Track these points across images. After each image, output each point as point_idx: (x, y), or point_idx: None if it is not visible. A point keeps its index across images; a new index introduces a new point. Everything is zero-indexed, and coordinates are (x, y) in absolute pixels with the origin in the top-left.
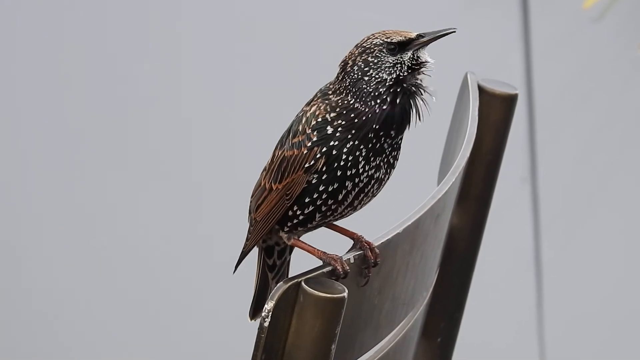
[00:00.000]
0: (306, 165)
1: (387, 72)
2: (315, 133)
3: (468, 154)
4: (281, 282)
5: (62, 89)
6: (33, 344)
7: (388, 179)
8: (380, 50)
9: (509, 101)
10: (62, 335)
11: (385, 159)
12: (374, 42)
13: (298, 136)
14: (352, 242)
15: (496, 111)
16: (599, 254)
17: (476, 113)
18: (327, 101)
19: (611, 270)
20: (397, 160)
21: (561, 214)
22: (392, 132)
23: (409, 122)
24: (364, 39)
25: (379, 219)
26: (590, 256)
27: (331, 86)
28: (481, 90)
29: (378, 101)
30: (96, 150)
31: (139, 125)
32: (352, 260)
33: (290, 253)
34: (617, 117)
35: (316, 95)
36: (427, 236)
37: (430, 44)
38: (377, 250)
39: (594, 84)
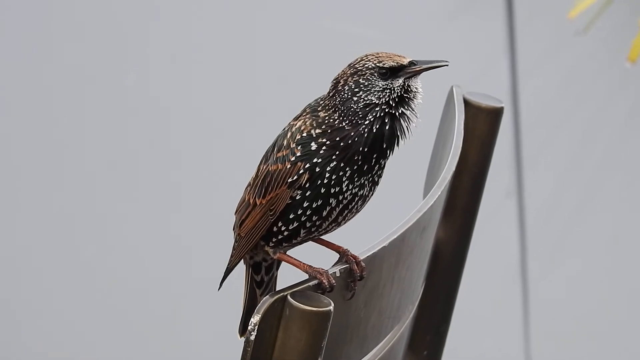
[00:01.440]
0: (289, 180)
1: (377, 97)
2: (299, 148)
3: (454, 167)
4: (267, 296)
5: (48, 92)
6: (13, 351)
7: (372, 195)
8: (372, 74)
9: (495, 114)
10: (42, 344)
11: (370, 178)
12: (367, 65)
13: (282, 150)
14: (338, 255)
15: (482, 124)
16: (585, 266)
17: (462, 126)
18: (314, 116)
19: (597, 283)
20: (381, 177)
21: (547, 227)
22: (379, 154)
23: (396, 145)
24: (357, 59)
25: (364, 232)
26: (576, 268)
27: (321, 102)
28: (467, 103)
29: (365, 123)
30: (81, 157)
31: (125, 135)
32: (338, 274)
33: (277, 268)
34: (603, 130)
35: (305, 109)
36: (413, 249)
37: (413, 57)
38: (363, 264)
39: (580, 96)
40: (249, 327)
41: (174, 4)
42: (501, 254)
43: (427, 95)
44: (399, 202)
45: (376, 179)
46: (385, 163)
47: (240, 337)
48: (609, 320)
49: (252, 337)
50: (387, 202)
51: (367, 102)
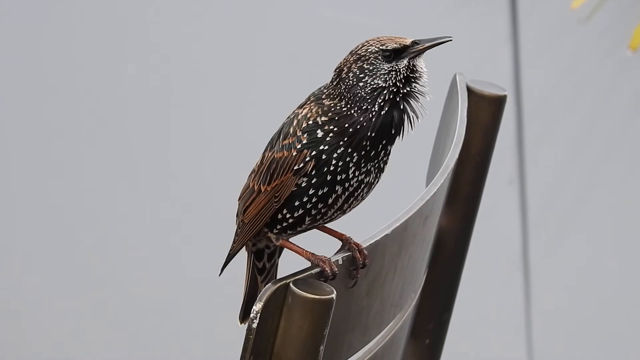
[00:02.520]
0: (295, 168)
1: (383, 80)
2: (305, 136)
3: (457, 155)
4: (269, 284)
5: (40, 88)
6: (3, 348)
7: (377, 182)
8: (376, 58)
9: (498, 102)
10: (36, 340)
11: (377, 164)
12: (369, 50)
13: (288, 138)
14: (340, 243)
15: (485, 112)
16: (587, 255)
17: (465, 114)
18: (319, 105)
19: (599, 271)
20: (387, 164)
21: (549, 215)
22: (388, 139)
23: (404, 129)
24: (358, 46)
25: (367, 220)
26: (578, 257)
27: (325, 90)
28: (470, 91)
29: (375, 108)
30: (75, 152)
31: (119, 128)
32: (340, 262)
33: (279, 256)
34: (605, 118)
35: (309, 98)
36: (415, 237)
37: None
38: (365, 252)
39: (582, 84)
40: (251, 315)
41: None
42: (503, 242)
43: (430, 83)
44: (401, 190)
45: (382, 166)
46: (391, 149)
47: (241, 323)
48: (612, 307)
49: (255, 325)
50: (389, 190)
51: (374, 86)
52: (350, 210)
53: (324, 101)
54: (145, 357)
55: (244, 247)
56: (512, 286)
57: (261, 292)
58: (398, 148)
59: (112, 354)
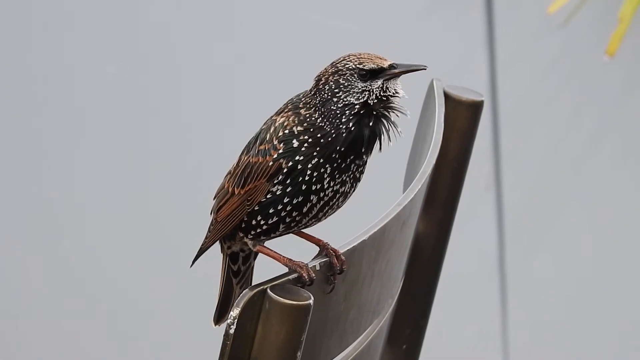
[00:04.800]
0: (269, 174)
1: (355, 97)
2: (282, 145)
3: (434, 161)
4: (247, 289)
5: (21, 91)
6: None
7: (353, 191)
8: (352, 75)
9: (475, 108)
10: (29, 338)
11: (352, 175)
12: (347, 66)
13: (265, 144)
14: (317, 249)
15: (462, 118)
16: (563, 260)
17: (442, 120)
18: (296, 114)
19: (575, 277)
20: (363, 173)
21: (525, 221)
22: (358, 153)
23: (376, 145)
24: (340, 59)
25: (344, 226)
26: (554, 262)
27: (303, 98)
28: (447, 96)
29: (345, 124)
30: (61, 152)
31: (101, 129)
32: (317, 268)
33: (254, 259)
34: (581, 123)
35: (287, 105)
36: (392, 243)
37: (393, 50)
38: (342, 258)
39: (558, 89)
40: (229, 321)
41: None
42: (479, 248)
43: (407, 88)
44: (379, 196)
45: (357, 176)
46: (367, 159)
47: (215, 325)
48: (587, 313)
49: (232, 331)
50: (367, 196)
51: (347, 102)
52: (325, 218)
53: (301, 110)
54: (122, 357)
55: (220, 249)
56: (489, 292)
57: (238, 298)
58: (375, 153)
59: (78, 353)
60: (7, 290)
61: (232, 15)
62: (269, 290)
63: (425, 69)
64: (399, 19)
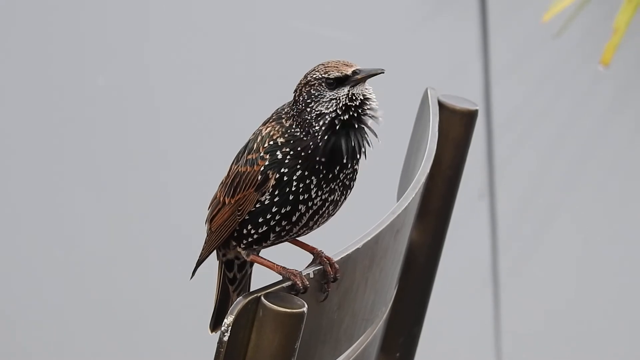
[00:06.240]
0: (257, 184)
1: (325, 107)
2: (267, 156)
3: (428, 170)
4: (241, 297)
5: (10, 99)
6: None
7: (345, 199)
8: (320, 84)
9: (469, 117)
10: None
11: (340, 183)
12: (314, 76)
13: (252, 153)
14: (311, 257)
15: (456, 127)
16: (556, 269)
17: (436, 129)
18: (280, 124)
19: (568, 285)
20: (354, 180)
21: (519, 229)
22: (342, 163)
23: (358, 153)
24: (311, 69)
25: (338, 234)
26: (547, 271)
27: (286, 108)
28: (441, 106)
29: (319, 133)
30: (58, 153)
31: (88, 139)
32: (311, 275)
33: (251, 266)
34: (574, 132)
35: (272, 115)
36: (386, 251)
37: (387, 59)
38: (336, 266)
39: (552, 99)
40: (223, 328)
41: (155, 5)
42: (473, 256)
43: (401, 97)
44: (372, 204)
45: (348, 183)
46: (357, 167)
47: (211, 332)
48: (579, 322)
49: (226, 338)
50: (361, 204)
51: (318, 112)
52: (317, 226)
53: (283, 121)
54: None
55: (216, 256)
56: (482, 300)
57: (232, 305)
58: (369, 161)
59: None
60: (7, 290)
61: (225, 25)
62: (262, 298)
63: (383, 73)
64: (394, 28)
